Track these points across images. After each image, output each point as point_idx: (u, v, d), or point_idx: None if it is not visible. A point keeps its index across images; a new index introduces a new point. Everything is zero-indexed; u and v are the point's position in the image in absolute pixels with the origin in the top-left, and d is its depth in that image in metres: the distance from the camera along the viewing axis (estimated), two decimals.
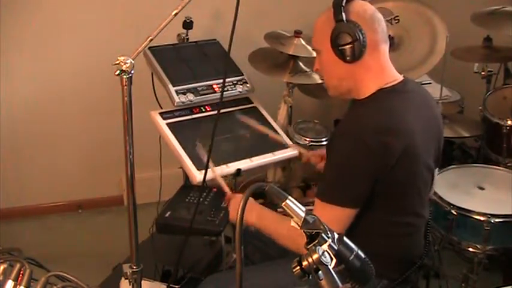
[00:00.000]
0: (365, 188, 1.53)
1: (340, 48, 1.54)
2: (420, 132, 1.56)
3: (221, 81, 1.90)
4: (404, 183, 1.57)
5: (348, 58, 1.55)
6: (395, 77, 1.62)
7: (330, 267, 1.00)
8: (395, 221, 1.63)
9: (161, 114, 2.15)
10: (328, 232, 1.04)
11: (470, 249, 2.14)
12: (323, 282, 0.98)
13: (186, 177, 2.14)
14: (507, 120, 2.54)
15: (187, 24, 2.54)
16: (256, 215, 1.69)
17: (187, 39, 2.57)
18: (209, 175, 1.88)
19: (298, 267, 1.00)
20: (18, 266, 1.25)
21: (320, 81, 2.56)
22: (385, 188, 1.54)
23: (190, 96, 2.20)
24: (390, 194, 1.56)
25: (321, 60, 1.65)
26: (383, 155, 1.49)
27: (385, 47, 1.60)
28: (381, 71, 1.60)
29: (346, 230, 1.55)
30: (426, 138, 1.60)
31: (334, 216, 1.52)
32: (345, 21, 1.52)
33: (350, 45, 1.53)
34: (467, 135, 2.76)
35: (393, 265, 1.66)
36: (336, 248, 1.03)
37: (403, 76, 1.64)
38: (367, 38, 1.53)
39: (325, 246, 1.01)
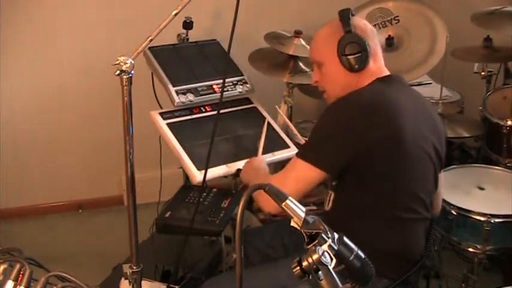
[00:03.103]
0: (341, 154, 1.58)
1: (348, 57, 1.62)
2: (409, 117, 1.59)
3: (221, 81, 1.90)
4: (392, 162, 1.60)
5: (356, 67, 1.63)
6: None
7: (330, 268, 1.00)
8: (392, 204, 1.64)
9: (161, 114, 2.15)
10: (328, 232, 1.04)
11: (470, 249, 2.14)
12: (323, 283, 0.98)
13: (186, 177, 2.14)
14: (507, 120, 2.54)
15: (187, 24, 2.54)
16: (256, 175, 1.88)
17: (187, 39, 2.57)
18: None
19: (298, 268, 1.00)
20: (18, 266, 1.25)
21: None
22: (372, 166, 1.58)
23: (190, 97, 2.20)
24: (380, 174, 1.60)
25: (324, 72, 1.70)
26: (364, 127, 1.55)
27: (381, 56, 1.72)
28: (378, 74, 1.69)
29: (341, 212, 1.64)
30: (416, 125, 1.63)
31: (303, 172, 1.60)
32: (353, 32, 1.62)
33: (359, 55, 1.62)
34: (467, 135, 2.76)
35: (392, 263, 1.66)
36: (336, 248, 1.03)
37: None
38: (370, 47, 1.64)
39: (325, 247, 1.02)
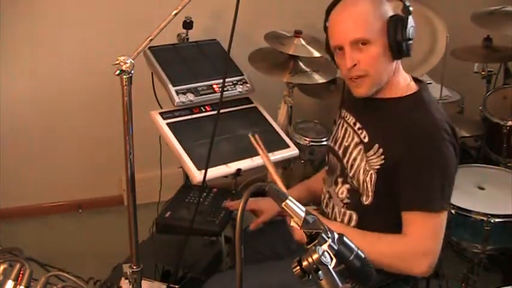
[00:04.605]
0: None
1: (408, 42, 1.47)
2: None
3: (221, 81, 1.90)
4: None
5: (407, 53, 1.50)
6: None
7: (330, 267, 1.00)
8: None
9: (161, 114, 2.15)
10: (328, 232, 1.04)
11: (470, 249, 2.14)
12: (323, 282, 0.98)
13: (186, 177, 2.14)
14: (507, 120, 2.54)
15: (187, 24, 2.54)
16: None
17: (187, 39, 2.57)
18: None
19: (299, 267, 1.00)
20: (18, 266, 1.25)
21: (320, 81, 2.55)
22: None
23: (190, 96, 2.20)
24: None
25: (372, 53, 1.50)
26: (458, 149, 1.51)
27: None
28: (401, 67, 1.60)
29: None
30: None
31: (441, 225, 1.50)
32: (411, 13, 1.46)
33: (411, 42, 1.49)
34: (467, 135, 2.76)
35: None
36: (336, 248, 1.03)
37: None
38: None
39: (325, 246, 1.02)
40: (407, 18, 1.48)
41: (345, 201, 1.65)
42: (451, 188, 1.52)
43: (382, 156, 1.53)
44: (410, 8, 1.48)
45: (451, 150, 1.49)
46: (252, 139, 1.75)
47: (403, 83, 1.58)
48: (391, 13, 1.50)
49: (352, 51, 1.50)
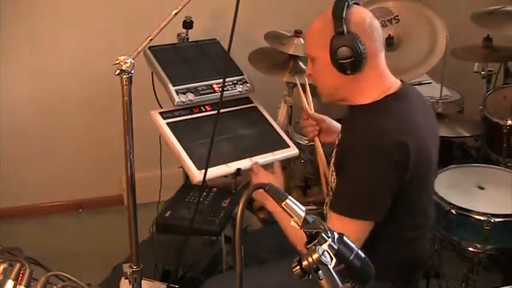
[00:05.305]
0: (389, 199, 1.49)
1: (340, 62, 1.49)
2: (428, 133, 1.57)
3: (221, 81, 1.90)
4: (420, 186, 1.57)
5: (348, 72, 1.50)
6: (394, 81, 1.60)
7: (330, 267, 1.00)
8: (408, 224, 1.62)
9: (161, 114, 2.15)
10: (328, 232, 1.04)
11: (470, 249, 2.14)
12: (323, 282, 0.98)
13: (186, 177, 2.14)
14: (507, 120, 2.54)
15: (187, 24, 2.54)
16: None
17: (187, 39, 2.57)
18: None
19: (299, 267, 1.00)
20: (18, 265, 1.25)
21: None
22: (403, 194, 1.51)
23: (190, 96, 2.20)
24: (407, 199, 1.53)
25: (316, 69, 1.59)
26: (403, 162, 1.46)
27: (382, 54, 1.57)
28: (380, 79, 1.57)
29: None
30: (432, 139, 1.60)
31: (355, 231, 1.47)
32: (345, 34, 1.46)
33: (351, 60, 1.48)
34: (467, 135, 2.76)
35: (402, 268, 1.67)
36: (336, 247, 1.03)
37: (399, 79, 1.63)
38: (366, 49, 1.49)
39: (325, 246, 1.01)
40: (354, 38, 1.47)
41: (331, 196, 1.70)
42: (377, 201, 1.49)
43: (334, 158, 1.62)
44: (365, 26, 1.50)
45: (383, 163, 1.45)
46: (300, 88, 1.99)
47: (373, 91, 1.55)
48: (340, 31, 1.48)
49: (309, 63, 1.64)
